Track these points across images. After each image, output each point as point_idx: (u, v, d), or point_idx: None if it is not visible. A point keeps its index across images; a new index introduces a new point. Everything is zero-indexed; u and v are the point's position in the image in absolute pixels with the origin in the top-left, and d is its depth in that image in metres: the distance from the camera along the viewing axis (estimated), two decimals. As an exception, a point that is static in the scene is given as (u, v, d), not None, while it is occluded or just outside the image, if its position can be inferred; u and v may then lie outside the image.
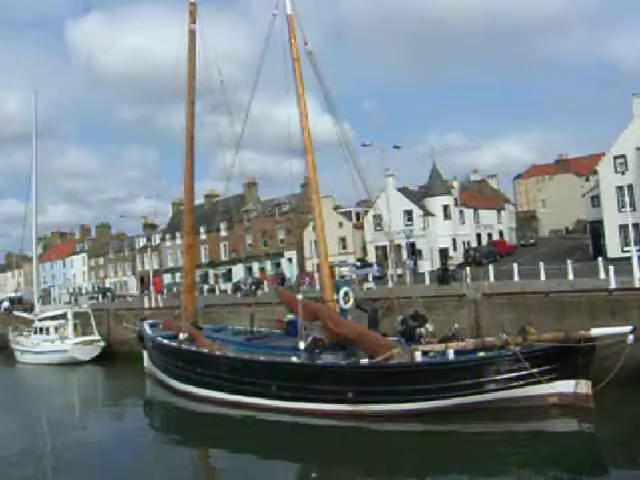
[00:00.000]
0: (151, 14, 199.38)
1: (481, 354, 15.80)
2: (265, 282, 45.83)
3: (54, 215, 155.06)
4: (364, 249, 59.20)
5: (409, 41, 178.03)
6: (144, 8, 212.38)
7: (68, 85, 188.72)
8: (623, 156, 42.09)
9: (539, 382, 15.04)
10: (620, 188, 40.90)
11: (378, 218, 53.83)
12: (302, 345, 18.00)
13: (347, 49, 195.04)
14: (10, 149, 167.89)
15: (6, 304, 57.74)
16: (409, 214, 55.91)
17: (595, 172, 47.15)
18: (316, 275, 33.62)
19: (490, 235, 65.55)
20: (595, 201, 47.23)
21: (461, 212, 60.11)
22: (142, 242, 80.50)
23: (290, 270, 61.15)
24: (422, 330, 17.86)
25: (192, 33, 24.54)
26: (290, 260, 63.80)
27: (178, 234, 71.48)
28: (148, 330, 25.53)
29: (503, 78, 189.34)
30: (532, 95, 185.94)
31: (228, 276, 66.94)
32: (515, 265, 28.93)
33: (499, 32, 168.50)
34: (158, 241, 79.90)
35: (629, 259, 22.55)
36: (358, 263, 49.92)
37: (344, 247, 59.93)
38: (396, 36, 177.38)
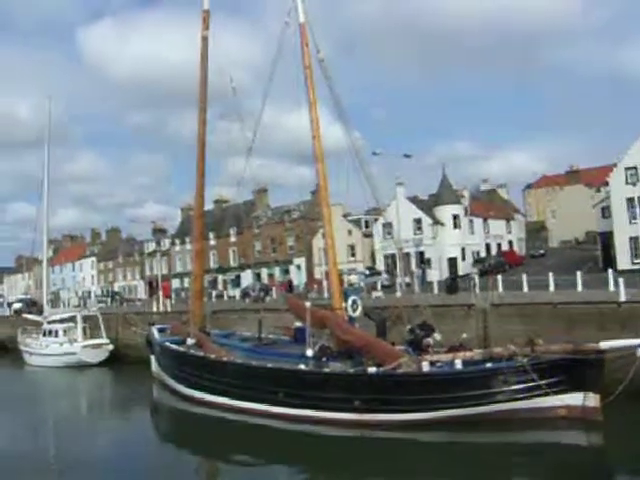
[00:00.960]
0: (161, 20, 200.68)
1: (489, 365, 15.75)
2: (274, 288, 45.87)
3: (64, 218, 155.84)
4: (373, 257, 59.13)
5: (418, 50, 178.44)
6: (154, 14, 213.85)
7: (78, 90, 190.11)
8: (634, 167, 41.92)
9: (547, 394, 14.94)
10: (631, 200, 40.73)
11: (387, 226, 53.76)
12: (309, 352, 17.98)
13: (356, 58, 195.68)
14: (20, 154, 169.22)
15: (17, 306, 58.10)
16: (418, 223, 55.85)
17: (606, 183, 46.96)
18: (325, 283, 33.62)
19: (499, 245, 65.30)
20: (606, 212, 47.02)
21: (470, 222, 59.93)
22: (151, 247, 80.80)
23: (299, 277, 61.18)
24: (429, 340, 17.82)
25: (205, 40, 24.67)
26: (299, 267, 63.83)
27: (187, 239, 71.74)
28: (156, 335, 25.61)
29: (512, 87, 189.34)
30: (542, 105, 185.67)
31: (237, 282, 67.02)
32: (524, 276, 28.80)
33: (508, 40, 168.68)
34: (167, 246, 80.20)
35: (639, 271, 22.44)
36: (367, 271, 49.96)
37: (353, 255, 59.89)
38: (405, 45, 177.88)
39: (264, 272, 65.19)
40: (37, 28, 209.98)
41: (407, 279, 37.05)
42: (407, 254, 49.91)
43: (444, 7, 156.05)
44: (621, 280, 20.98)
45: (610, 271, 25.60)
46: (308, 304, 19.41)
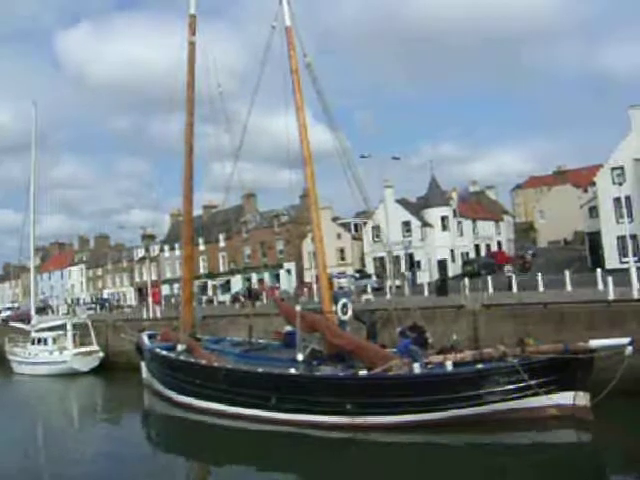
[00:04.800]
0: (141, 23, 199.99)
1: (479, 366, 15.78)
2: (264, 293, 45.67)
3: (51, 225, 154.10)
4: (362, 260, 59.16)
5: (401, 52, 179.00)
6: (134, 17, 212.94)
7: (59, 96, 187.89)
8: (621, 167, 42.25)
9: (537, 394, 15.00)
10: (618, 199, 41.00)
11: (376, 229, 53.85)
12: (300, 357, 17.95)
13: (339, 60, 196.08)
14: (1, 160, 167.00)
15: (4, 314, 57.60)
16: (407, 225, 55.93)
17: (593, 183, 47.26)
18: (314, 286, 33.59)
19: (489, 246, 65.56)
20: (593, 212, 47.35)
21: (459, 223, 60.15)
22: (140, 253, 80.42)
23: (289, 281, 61.17)
24: (428, 334, 17.98)
25: (192, 45, 24.56)
26: (289, 271, 63.76)
27: (177, 245, 71.45)
28: (146, 341, 25.47)
29: (499, 88, 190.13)
30: (529, 105, 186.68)
31: (226, 287, 66.87)
32: (513, 276, 28.91)
33: (492, 42, 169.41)
34: (156, 252, 79.83)
35: (627, 270, 22.58)
36: (357, 274, 49.96)
37: (342, 258, 59.90)
38: (388, 47, 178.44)
39: (254, 277, 65.07)
40: (14, 33, 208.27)
41: (397, 281, 37.07)
42: (396, 257, 49.89)
43: (426, 8, 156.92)
44: (610, 279, 21.10)
45: (599, 270, 25.74)
46: (298, 308, 19.38)
